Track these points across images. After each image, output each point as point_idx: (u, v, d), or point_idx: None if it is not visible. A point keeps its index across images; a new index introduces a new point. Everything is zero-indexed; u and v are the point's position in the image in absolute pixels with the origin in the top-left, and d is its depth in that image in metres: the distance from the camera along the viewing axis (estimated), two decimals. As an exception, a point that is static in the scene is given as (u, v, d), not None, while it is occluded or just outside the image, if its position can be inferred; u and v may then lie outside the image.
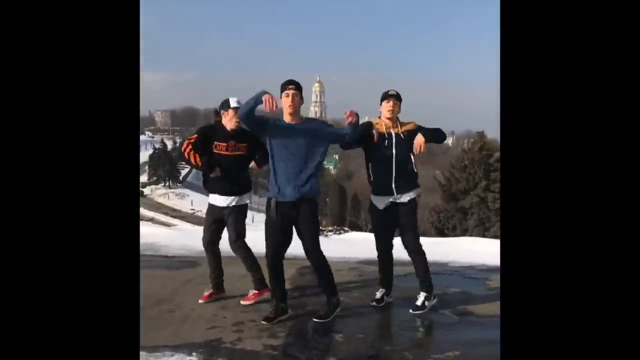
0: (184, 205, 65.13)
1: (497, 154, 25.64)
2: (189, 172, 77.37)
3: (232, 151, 3.87)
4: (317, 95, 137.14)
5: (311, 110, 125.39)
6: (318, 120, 3.72)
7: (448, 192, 26.16)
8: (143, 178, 71.05)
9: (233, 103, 3.84)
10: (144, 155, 70.37)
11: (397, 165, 3.78)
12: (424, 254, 3.93)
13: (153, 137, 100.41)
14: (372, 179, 3.91)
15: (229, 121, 3.85)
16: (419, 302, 3.90)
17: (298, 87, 3.52)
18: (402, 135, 3.82)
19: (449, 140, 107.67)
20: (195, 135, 3.89)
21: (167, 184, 75.23)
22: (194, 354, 2.97)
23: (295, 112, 3.52)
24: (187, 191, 70.42)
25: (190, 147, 3.83)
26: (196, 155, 3.82)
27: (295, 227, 3.58)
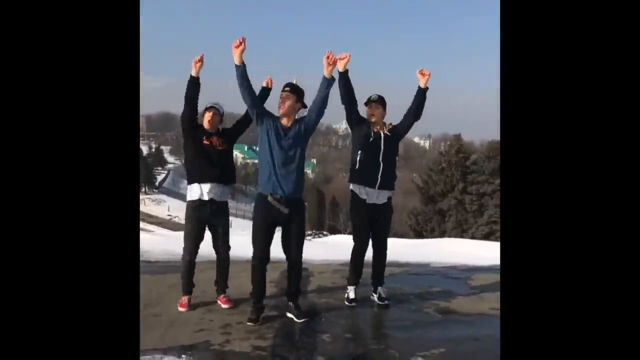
0: (160, 211, 64.18)
1: (474, 156, 26.06)
2: (165, 177, 76.43)
3: (218, 145, 3.89)
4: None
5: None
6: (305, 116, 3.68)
7: (426, 195, 26.48)
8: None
9: (209, 104, 3.94)
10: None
11: (384, 161, 3.94)
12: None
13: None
14: (357, 167, 3.98)
15: (206, 122, 3.91)
16: (384, 295, 4.14)
17: (293, 90, 3.57)
18: (388, 133, 4.00)
19: (426, 143, 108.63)
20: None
21: (143, 189, 74.07)
22: (183, 356, 2.98)
23: (286, 114, 3.56)
24: (163, 197, 69.42)
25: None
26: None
27: (285, 227, 3.60)
